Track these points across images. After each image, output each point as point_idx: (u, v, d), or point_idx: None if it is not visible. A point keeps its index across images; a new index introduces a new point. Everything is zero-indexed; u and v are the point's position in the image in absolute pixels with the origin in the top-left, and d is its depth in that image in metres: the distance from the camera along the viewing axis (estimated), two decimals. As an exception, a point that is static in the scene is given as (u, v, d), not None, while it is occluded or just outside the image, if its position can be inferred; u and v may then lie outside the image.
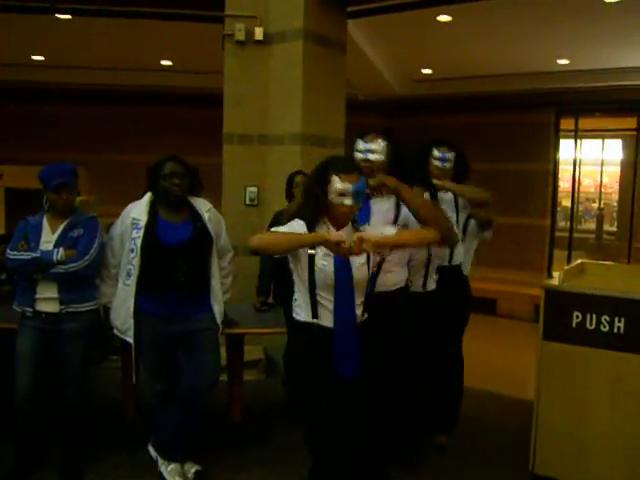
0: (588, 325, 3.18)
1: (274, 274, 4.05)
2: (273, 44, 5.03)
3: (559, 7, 5.70)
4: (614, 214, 13.10)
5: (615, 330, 3.11)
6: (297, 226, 2.48)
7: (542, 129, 9.52)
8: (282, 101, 5.05)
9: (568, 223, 11.65)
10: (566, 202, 11.95)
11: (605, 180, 13.35)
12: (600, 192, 13.42)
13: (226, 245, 3.32)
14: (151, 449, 3.34)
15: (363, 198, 2.56)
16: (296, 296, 2.56)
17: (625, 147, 12.13)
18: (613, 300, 3.14)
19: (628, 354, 3.08)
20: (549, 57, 7.84)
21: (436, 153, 3.55)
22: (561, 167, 10.68)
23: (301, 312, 2.53)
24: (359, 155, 2.90)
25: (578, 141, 10.42)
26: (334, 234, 2.39)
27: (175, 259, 3.03)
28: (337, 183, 2.45)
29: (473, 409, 4.25)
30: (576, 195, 11.97)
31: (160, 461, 3.25)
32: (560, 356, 3.25)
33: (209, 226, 3.15)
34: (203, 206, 3.20)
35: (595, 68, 8.21)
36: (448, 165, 3.53)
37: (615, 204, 13.07)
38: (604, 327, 3.13)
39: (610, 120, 10.52)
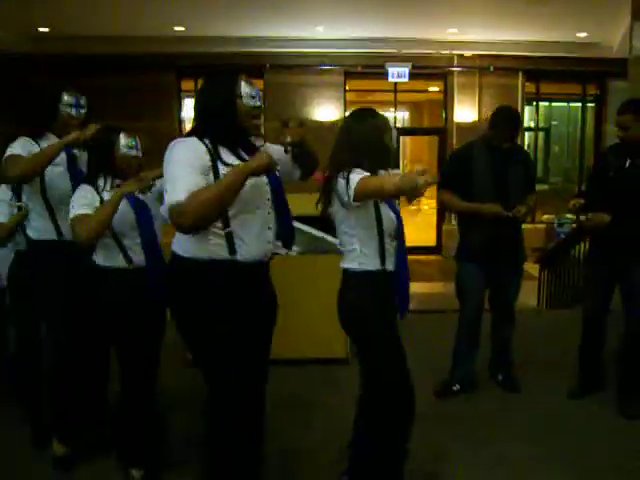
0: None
1: None
2: None
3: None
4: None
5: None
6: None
7: (166, 90, 10.24)
8: None
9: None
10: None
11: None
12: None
13: None
14: None
15: None
16: (358, 246, 2.45)
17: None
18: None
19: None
20: (167, 23, 8.55)
21: (68, 98, 2.95)
22: (188, 125, 11.55)
23: (367, 261, 2.45)
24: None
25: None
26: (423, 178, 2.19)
27: None
28: (390, 127, 2.46)
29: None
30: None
31: None
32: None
33: None
34: None
35: (211, 35, 9.20)
36: (84, 112, 2.99)
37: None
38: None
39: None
